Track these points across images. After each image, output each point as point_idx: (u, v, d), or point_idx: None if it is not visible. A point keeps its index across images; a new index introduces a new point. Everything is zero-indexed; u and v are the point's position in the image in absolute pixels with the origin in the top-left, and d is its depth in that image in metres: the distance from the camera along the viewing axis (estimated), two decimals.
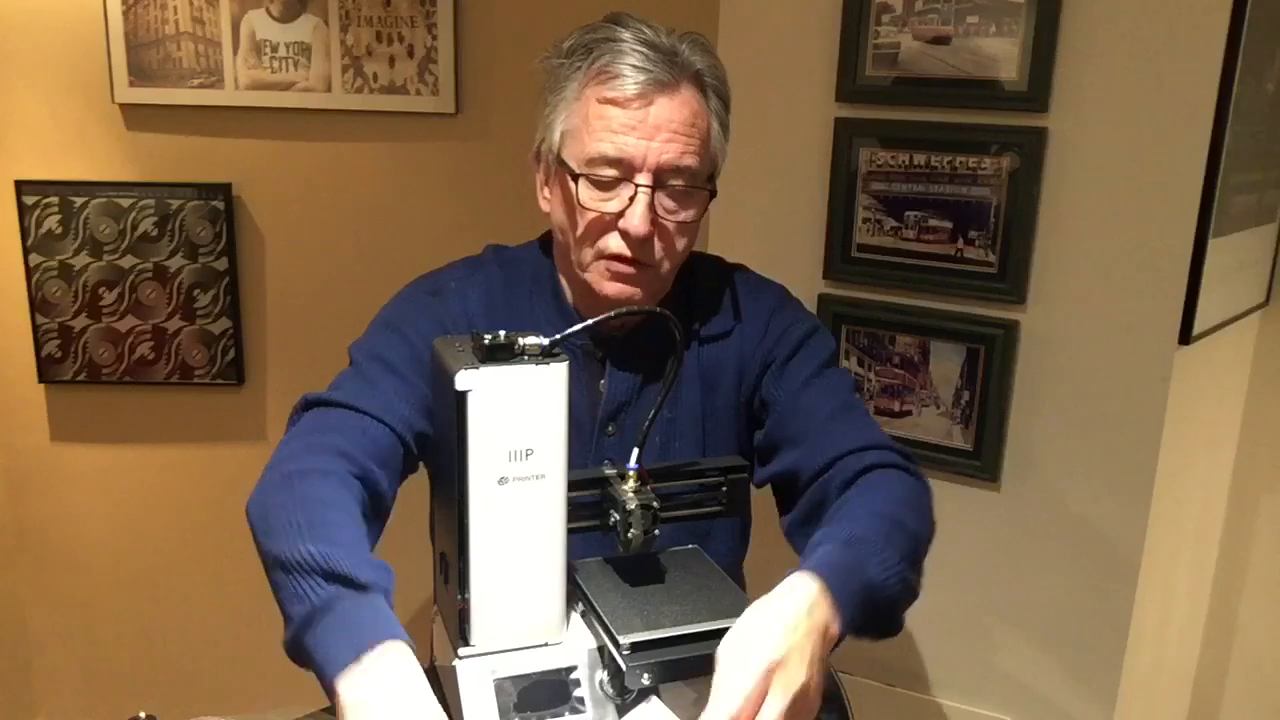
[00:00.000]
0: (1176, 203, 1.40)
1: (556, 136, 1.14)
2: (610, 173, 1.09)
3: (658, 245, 1.12)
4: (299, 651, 0.89)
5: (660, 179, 1.10)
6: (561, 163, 1.13)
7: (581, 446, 1.17)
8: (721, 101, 1.16)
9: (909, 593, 1.02)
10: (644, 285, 1.14)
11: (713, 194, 1.16)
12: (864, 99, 1.60)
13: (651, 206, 1.09)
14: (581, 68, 1.11)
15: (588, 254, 1.13)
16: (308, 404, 1.11)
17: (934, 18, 1.51)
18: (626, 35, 1.10)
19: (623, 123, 1.08)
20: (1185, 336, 1.43)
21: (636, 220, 1.08)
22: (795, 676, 0.87)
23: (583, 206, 1.11)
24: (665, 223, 1.12)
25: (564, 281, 1.22)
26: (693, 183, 1.12)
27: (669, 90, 1.09)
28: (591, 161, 1.10)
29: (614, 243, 1.11)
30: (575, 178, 1.11)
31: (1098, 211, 1.46)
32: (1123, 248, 1.45)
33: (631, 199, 1.09)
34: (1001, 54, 1.47)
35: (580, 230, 1.13)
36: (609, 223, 1.11)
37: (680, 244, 1.15)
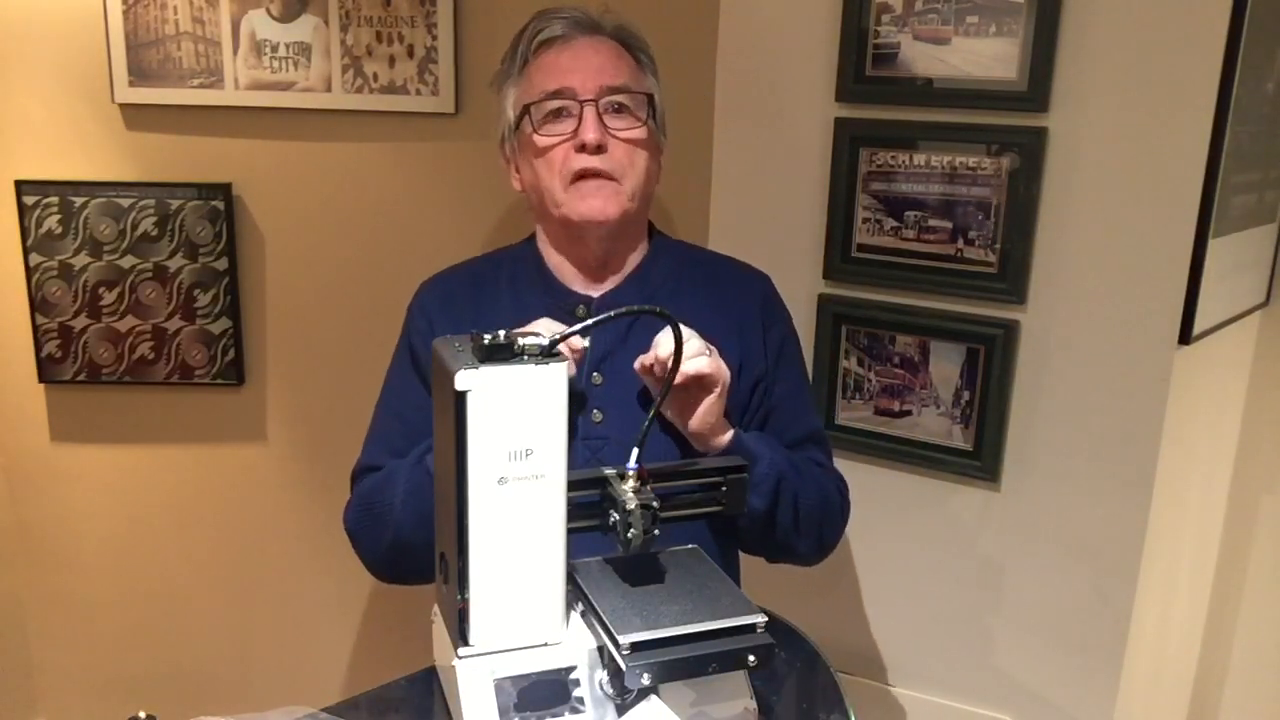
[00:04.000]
0: (1176, 203, 1.40)
1: (511, 114, 1.28)
2: (555, 103, 1.22)
3: (616, 160, 1.23)
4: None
5: (601, 95, 1.22)
6: (518, 123, 1.26)
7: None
8: (647, 56, 1.31)
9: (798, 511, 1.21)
10: (614, 201, 1.23)
11: (652, 111, 1.27)
12: (864, 99, 1.60)
13: (599, 120, 1.21)
14: (518, 49, 1.27)
15: (558, 187, 1.24)
16: (352, 478, 1.30)
17: (934, 18, 1.51)
18: (550, 10, 1.27)
19: (553, 61, 1.24)
20: (1185, 336, 1.43)
21: (590, 132, 1.20)
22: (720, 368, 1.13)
23: (540, 134, 1.23)
24: (617, 137, 1.23)
25: (545, 254, 1.32)
26: (631, 98, 1.24)
27: (590, 33, 1.26)
28: (538, 102, 1.23)
29: (576, 162, 1.22)
30: (528, 113, 1.23)
31: (1098, 211, 1.46)
32: (1123, 248, 1.45)
33: (580, 117, 1.21)
34: (1001, 54, 1.47)
35: (546, 169, 1.24)
36: (567, 149, 1.22)
37: (638, 161, 1.25)
